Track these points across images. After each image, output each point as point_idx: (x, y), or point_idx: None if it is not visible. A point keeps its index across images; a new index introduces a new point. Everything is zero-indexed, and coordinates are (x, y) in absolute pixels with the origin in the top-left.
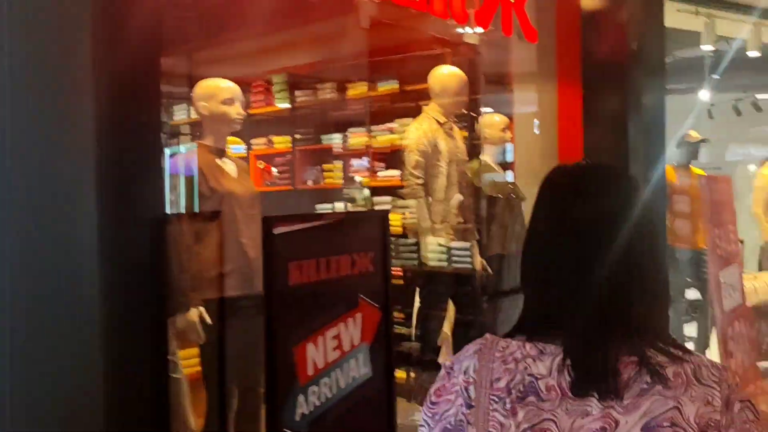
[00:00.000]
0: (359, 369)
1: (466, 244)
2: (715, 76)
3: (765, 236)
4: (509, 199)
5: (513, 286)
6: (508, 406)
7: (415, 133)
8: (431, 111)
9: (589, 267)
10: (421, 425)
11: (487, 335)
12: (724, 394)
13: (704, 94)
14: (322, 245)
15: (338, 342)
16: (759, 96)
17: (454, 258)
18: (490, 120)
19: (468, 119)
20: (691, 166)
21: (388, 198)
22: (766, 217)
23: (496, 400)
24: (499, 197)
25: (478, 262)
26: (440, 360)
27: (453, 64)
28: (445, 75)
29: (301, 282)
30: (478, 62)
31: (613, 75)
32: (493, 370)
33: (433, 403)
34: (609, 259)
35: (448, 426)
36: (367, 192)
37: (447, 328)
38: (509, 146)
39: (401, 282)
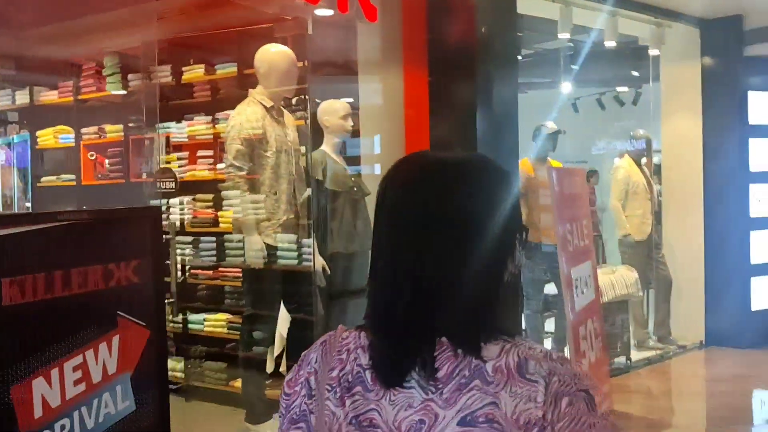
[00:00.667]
0: (117, 404)
1: (295, 241)
2: (574, 67)
3: (622, 230)
4: (351, 193)
5: (358, 286)
6: (338, 395)
7: (237, 119)
8: (257, 94)
9: (419, 260)
10: (279, 415)
11: (340, 327)
12: (552, 389)
13: (567, 87)
14: (57, 253)
15: (83, 373)
16: (620, 89)
17: (283, 257)
18: (330, 106)
19: (304, 105)
20: (548, 158)
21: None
22: (625, 211)
23: (329, 389)
24: (341, 191)
25: (319, 261)
26: (268, 365)
27: (286, 44)
28: (272, 54)
29: (20, 302)
30: (312, 42)
31: (461, 61)
32: (332, 359)
33: (286, 395)
34: (439, 252)
35: (294, 416)
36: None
37: (282, 329)
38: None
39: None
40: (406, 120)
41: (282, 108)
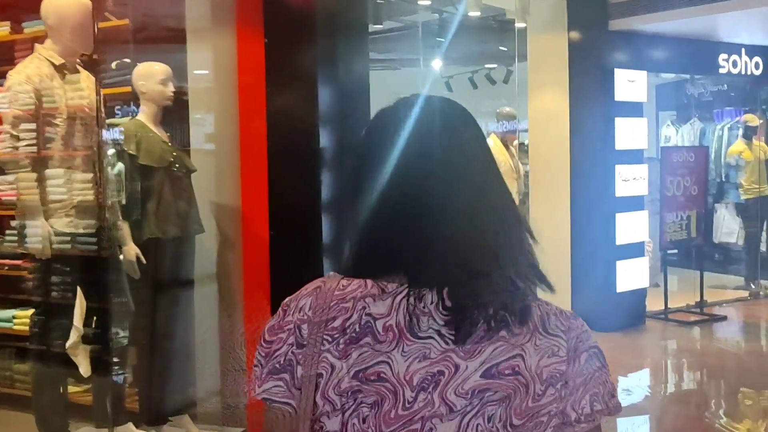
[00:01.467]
0: None
1: (94, 226)
2: (441, 40)
3: None
4: (172, 170)
5: (181, 276)
6: (341, 346)
7: (16, 78)
8: (44, 50)
9: (440, 204)
10: (255, 366)
11: (333, 274)
12: (571, 344)
13: (438, 64)
14: None
15: None
16: (491, 66)
17: (80, 243)
18: (147, 70)
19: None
20: None
21: None
22: None
23: (330, 339)
24: (159, 167)
25: (131, 249)
26: (82, 368)
27: None
28: (62, 3)
29: None
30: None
31: (300, 25)
32: (330, 308)
33: (266, 342)
34: (462, 196)
35: (277, 366)
36: None
37: (77, 322)
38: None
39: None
40: (240, 88)
41: (79, 67)
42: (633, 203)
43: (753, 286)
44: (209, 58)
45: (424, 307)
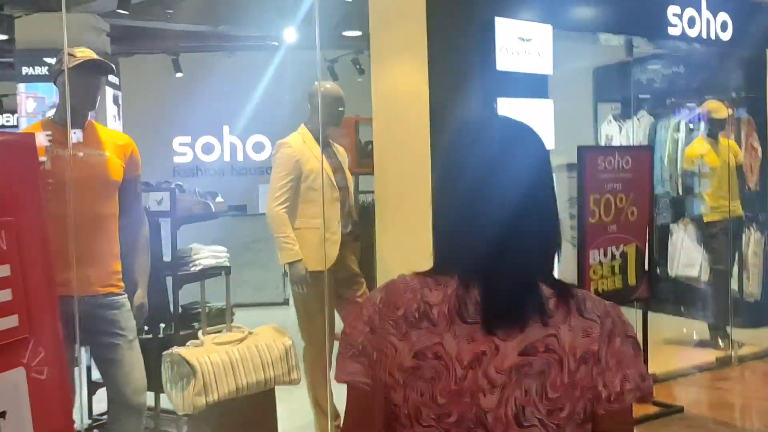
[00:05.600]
0: None
1: None
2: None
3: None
4: None
5: None
6: (403, 330)
7: None
8: None
9: (488, 210)
10: (338, 354)
11: (401, 274)
12: (606, 328)
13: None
14: None
15: None
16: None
17: None
18: None
19: None
20: None
21: None
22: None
23: (394, 325)
24: None
25: None
26: None
27: None
28: None
29: None
30: None
31: None
32: (396, 300)
33: (347, 334)
34: (506, 202)
35: (357, 351)
36: None
37: None
38: None
39: None
40: None
41: None
42: None
43: (721, 344)
44: None
45: (471, 297)
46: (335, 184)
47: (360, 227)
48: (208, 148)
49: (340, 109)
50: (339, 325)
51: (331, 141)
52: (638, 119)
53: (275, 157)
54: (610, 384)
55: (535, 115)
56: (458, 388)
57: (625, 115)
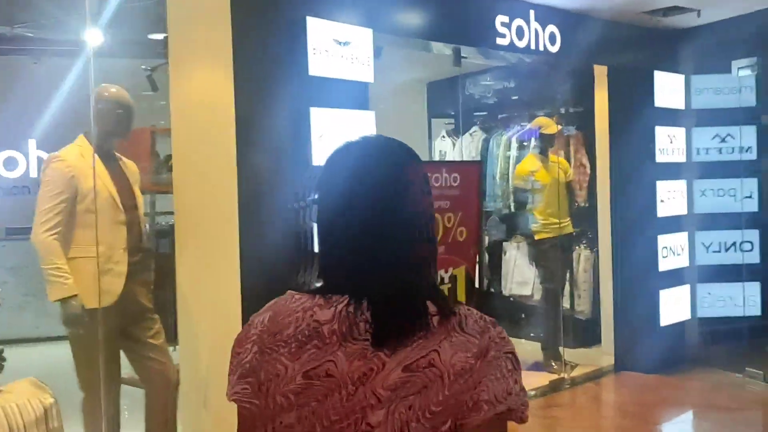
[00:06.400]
0: None
1: None
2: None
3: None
4: None
5: None
6: (292, 350)
7: None
8: None
9: (370, 232)
10: (229, 373)
11: (289, 292)
12: (483, 344)
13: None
14: None
15: None
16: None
17: None
18: None
19: None
20: None
21: None
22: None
23: (283, 345)
24: None
25: None
26: None
27: None
28: None
29: None
30: None
31: None
32: (284, 319)
33: (236, 353)
34: (369, 221)
35: (244, 371)
36: None
37: None
38: None
39: None
40: None
41: None
42: None
43: (554, 365)
44: None
45: (361, 315)
46: (119, 205)
47: (152, 255)
48: None
49: (127, 117)
50: (126, 367)
51: (117, 155)
52: (471, 135)
53: (44, 174)
54: (475, 396)
55: (354, 127)
56: (349, 405)
57: (458, 130)
